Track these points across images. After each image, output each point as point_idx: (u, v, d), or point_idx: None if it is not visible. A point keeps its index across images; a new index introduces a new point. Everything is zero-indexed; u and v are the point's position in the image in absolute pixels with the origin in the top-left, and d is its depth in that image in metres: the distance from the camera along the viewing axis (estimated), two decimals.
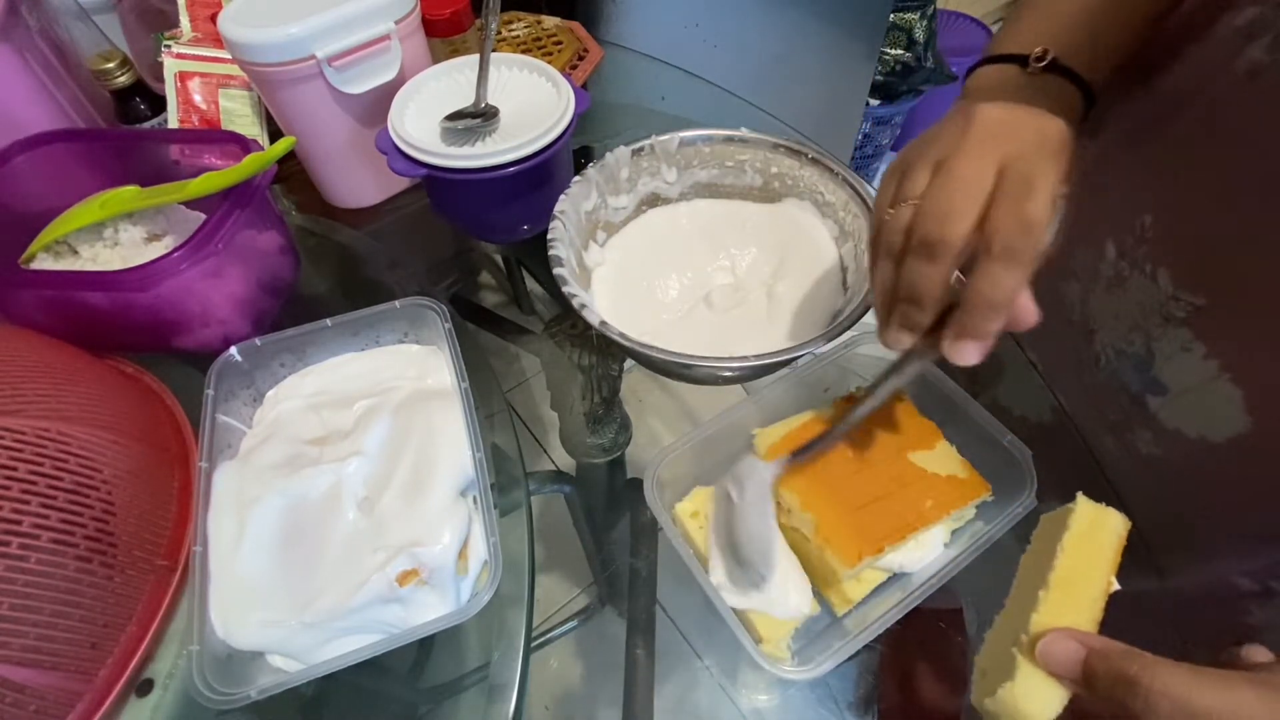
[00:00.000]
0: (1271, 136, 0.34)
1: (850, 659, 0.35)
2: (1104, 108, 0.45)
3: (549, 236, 0.48)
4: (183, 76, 0.61)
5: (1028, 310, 0.32)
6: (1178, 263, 0.39)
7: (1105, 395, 0.46)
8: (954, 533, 0.42)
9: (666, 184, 0.57)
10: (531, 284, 0.72)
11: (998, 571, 0.36)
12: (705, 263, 0.55)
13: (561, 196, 0.50)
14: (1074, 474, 0.47)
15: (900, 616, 0.36)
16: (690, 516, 0.42)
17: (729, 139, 0.54)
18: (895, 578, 0.41)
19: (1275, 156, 0.34)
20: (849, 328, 0.43)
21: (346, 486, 0.40)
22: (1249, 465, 0.38)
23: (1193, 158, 0.39)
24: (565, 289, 0.45)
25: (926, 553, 0.40)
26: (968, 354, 0.33)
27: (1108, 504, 0.33)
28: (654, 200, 0.58)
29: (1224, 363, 0.38)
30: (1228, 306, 0.38)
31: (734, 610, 0.37)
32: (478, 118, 0.52)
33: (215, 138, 0.54)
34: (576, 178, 0.52)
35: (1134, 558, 0.33)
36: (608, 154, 0.53)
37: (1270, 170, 0.34)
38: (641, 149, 0.54)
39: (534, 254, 0.60)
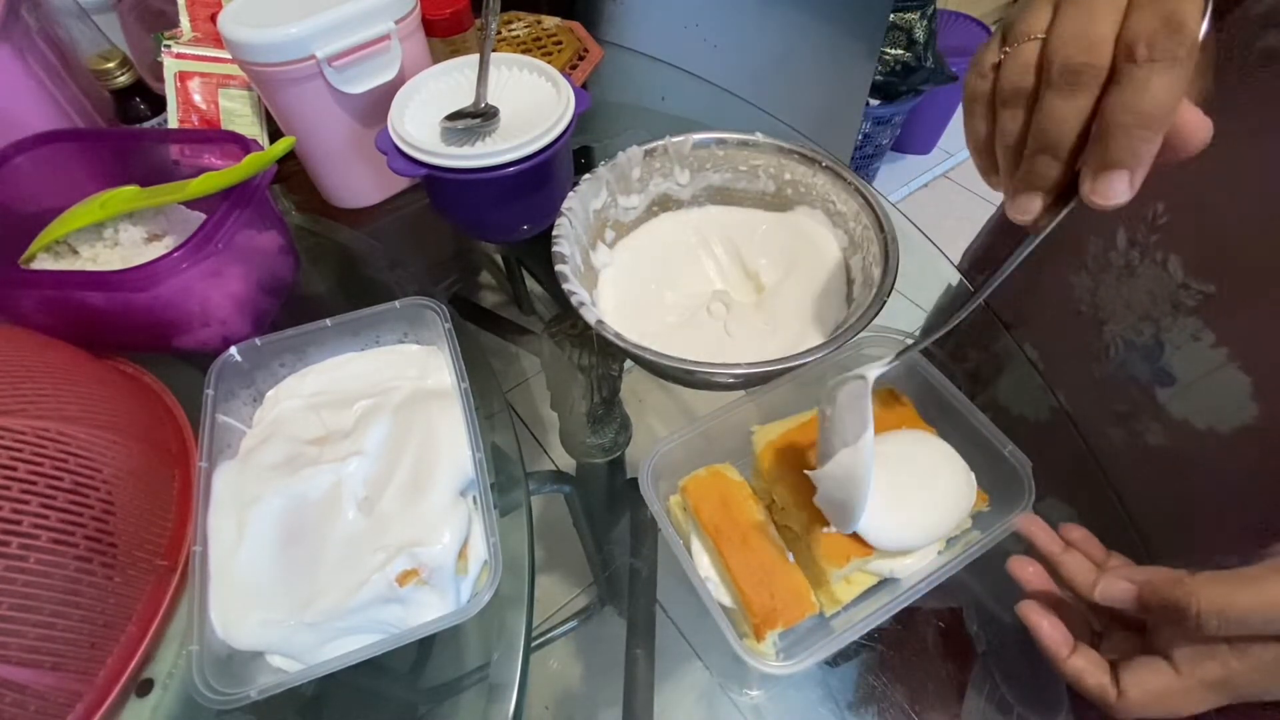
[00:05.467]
0: None
1: (850, 659, 0.35)
2: None
3: (554, 233, 0.48)
4: (183, 76, 0.61)
5: (1195, 125, 0.26)
6: (1189, 250, 0.39)
7: (1113, 387, 0.46)
8: (949, 540, 0.41)
9: (679, 186, 0.56)
10: (531, 284, 0.72)
11: (998, 573, 0.36)
12: (713, 269, 0.55)
13: (570, 193, 0.50)
14: (1071, 471, 0.47)
15: (886, 618, 0.36)
16: (683, 509, 0.42)
17: (743, 143, 0.54)
18: (885, 583, 0.40)
19: None
20: (849, 339, 0.43)
21: (346, 486, 0.40)
22: (1257, 455, 0.38)
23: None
24: (565, 285, 0.45)
25: (918, 559, 0.39)
26: (1116, 189, 0.26)
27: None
28: (665, 202, 0.57)
29: (1233, 350, 0.38)
30: (1238, 293, 0.38)
31: (720, 605, 0.37)
32: (478, 118, 0.52)
33: (215, 138, 0.54)
34: (587, 175, 0.51)
35: (1129, 552, 0.33)
36: (620, 153, 0.53)
37: None
38: (654, 149, 0.54)
39: (534, 254, 0.60)
